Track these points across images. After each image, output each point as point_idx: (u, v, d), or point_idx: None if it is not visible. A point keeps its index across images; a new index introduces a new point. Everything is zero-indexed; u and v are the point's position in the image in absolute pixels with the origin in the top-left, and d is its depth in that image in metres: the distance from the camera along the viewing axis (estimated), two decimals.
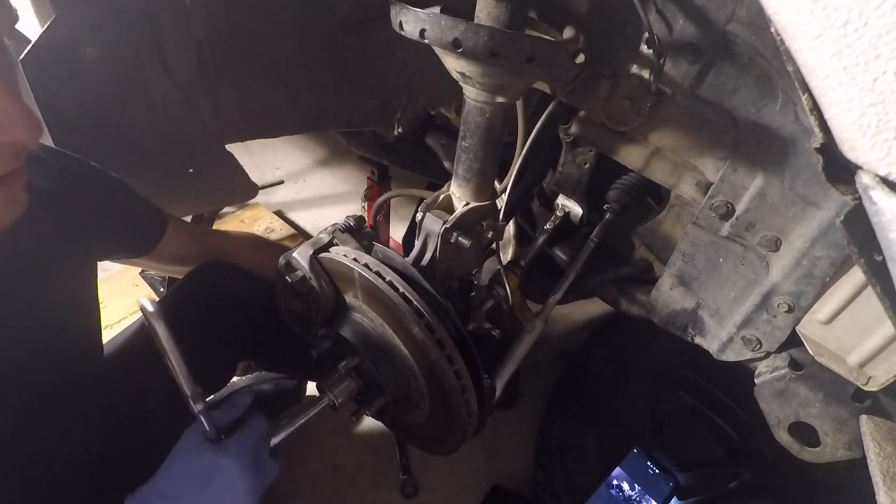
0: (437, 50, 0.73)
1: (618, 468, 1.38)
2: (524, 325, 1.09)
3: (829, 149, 0.46)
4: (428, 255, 0.92)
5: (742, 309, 0.97)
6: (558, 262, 1.37)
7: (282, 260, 0.98)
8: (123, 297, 2.01)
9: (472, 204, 0.91)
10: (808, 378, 0.94)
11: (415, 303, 0.83)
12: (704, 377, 1.62)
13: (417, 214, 0.92)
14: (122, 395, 1.00)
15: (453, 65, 0.75)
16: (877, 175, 0.42)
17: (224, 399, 0.83)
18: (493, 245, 1.02)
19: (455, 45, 0.66)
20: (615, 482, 1.36)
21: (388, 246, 1.08)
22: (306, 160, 3.01)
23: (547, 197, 1.42)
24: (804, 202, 0.80)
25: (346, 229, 0.99)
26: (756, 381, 1.00)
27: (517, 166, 0.93)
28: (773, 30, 0.45)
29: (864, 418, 0.84)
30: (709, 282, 1.00)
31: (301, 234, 2.48)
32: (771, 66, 0.71)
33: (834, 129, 0.44)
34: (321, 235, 0.96)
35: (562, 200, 1.33)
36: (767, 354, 0.99)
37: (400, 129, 1.42)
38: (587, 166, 1.25)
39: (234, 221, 2.47)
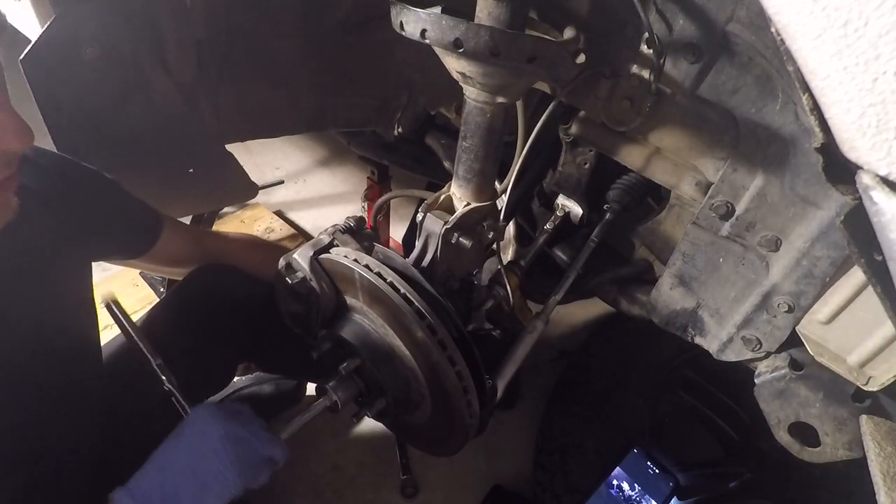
0: (438, 50, 0.73)
1: (618, 468, 1.38)
2: (525, 325, 1.09)
3: (830, 149, 0.46)
4: (429, 256, 0.92)
5: (742, 309, 0.97)
6: (558, 263, 1.37)
7: (282, 261, 0.97)
8: (123, 297, 1.99)
9: (473, 204, 0.91)
10: (808, 378, 0.94)
11: (416, 304, 0.83)
12: (704, 377, 1.62)
13: (418, 215, 0.92)
14: (121, 395, 1.00)
15: (454, 65, 0.75)
16: (877, 175, 0.43)
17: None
18: (494, 245, 1.02)
19: (456, 46, 0.66)
20: (615, 482, 1.36)
21: (388, 246, 1.08)
22: (306, 160, 3.01)
23: (547, 197, 1.42)
24: (804, 202, 0.80)
25: (347, 230, 0.99)
26: (756, 381, 1.00)
27: (517, 166, 0.93)
28: (773, 30, 0.45)
29: (864, 418, 0.84)
30: (709, 282, 1.00)
31: (301, 235, 2.48)
32: (771, 66, 0.71)
33: (834, 129, 0.44)
34: (321, 236, 0.96)
35: (562, 200, 1.33)
36: (767, 354, 0.99)
37: (400, 129, 1.42)
38: (587, 166, 1.25)
39: (234, 221, 2.47)
